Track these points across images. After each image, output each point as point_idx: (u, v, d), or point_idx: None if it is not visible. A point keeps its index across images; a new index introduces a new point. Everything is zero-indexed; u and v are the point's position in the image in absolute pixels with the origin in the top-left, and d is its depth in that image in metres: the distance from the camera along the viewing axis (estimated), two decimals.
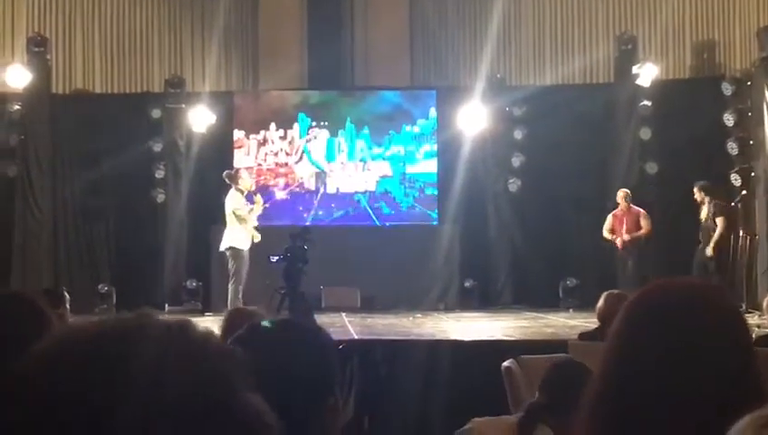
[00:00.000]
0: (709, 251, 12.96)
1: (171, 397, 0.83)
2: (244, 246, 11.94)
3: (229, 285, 11.92)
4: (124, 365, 0.84)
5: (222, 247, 12.15)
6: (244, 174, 12.44)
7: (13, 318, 1.73)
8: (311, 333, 1.96)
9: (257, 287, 11.95)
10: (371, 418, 7.79)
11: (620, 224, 13.47)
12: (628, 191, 13.65)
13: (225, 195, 12.16)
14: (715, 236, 12.99)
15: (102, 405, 0.82)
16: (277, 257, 10.98)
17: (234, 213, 11.94)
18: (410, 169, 15.57)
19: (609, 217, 13.55)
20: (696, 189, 13.35)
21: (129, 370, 0.84)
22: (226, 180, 12.26)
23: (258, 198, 12.45)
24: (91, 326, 0.90)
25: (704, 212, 13.28)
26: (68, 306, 7.46)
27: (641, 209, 13.53)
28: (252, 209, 12.08)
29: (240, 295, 11.85)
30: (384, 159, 15.62)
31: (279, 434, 0.92)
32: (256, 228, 12.08)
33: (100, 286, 14.51)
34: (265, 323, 1.92)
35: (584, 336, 6.71)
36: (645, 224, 13.42)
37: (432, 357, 8.83)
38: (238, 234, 11.93)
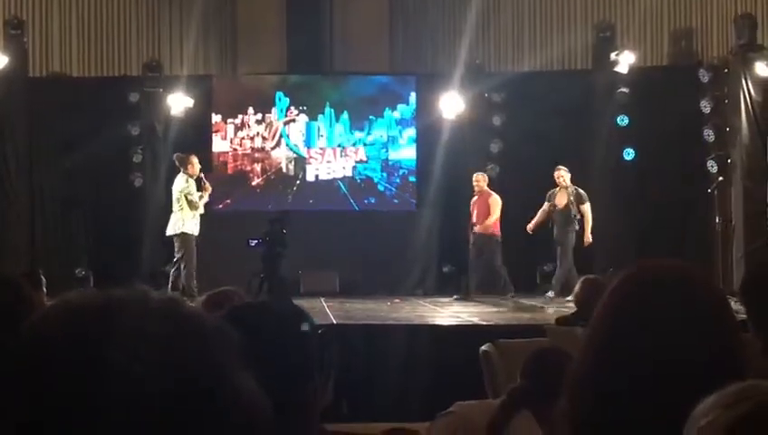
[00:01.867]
0: (588, 238, 12.86)
1: (163, 376, 0.84)
2: (194, 231, 12.19)
3: (173, 271, 12.26)
4: (115, 341, 0.84)
5: (169, 232, 12.30)
6: (194, 160, 12.53)
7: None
8: (292, 316, 1.97)
9: (235, 272, 11.94)
10: (350, 402, 7.81)
11: (473, 208, 13.35)
12: (481, 175, 13.57)
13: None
14: (589, 223, 12.95)
15: (91, 383, 0.82)
16: (256, 241, 10.98)
17: (185, 197, 12.13)
18: (393, 155, 15.57)
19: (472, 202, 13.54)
20: (559, 172, 13.25)
21: (119, 346, 0.84)
22: (176, 163, 12.57)
23: (207, 184, 12.57)
24: (82, 300, 0.90)
25: (562, 196, 13.13)
26: (45, 289, 7.42)
27: (493, 193, 13.42)
28: (201, 196, 12.29)
29: (194, 281, 12.03)
30: (365, 144, 15.61)
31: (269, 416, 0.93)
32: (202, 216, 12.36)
33: (77, 271, 14.46)
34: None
35: (561, 321, 6.76)
36: (494, 210, 13.16)
37: (410, 342, 8.88)
38: (188, 219, 12.11)
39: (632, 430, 1.52)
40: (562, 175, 13.27)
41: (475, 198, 13.44)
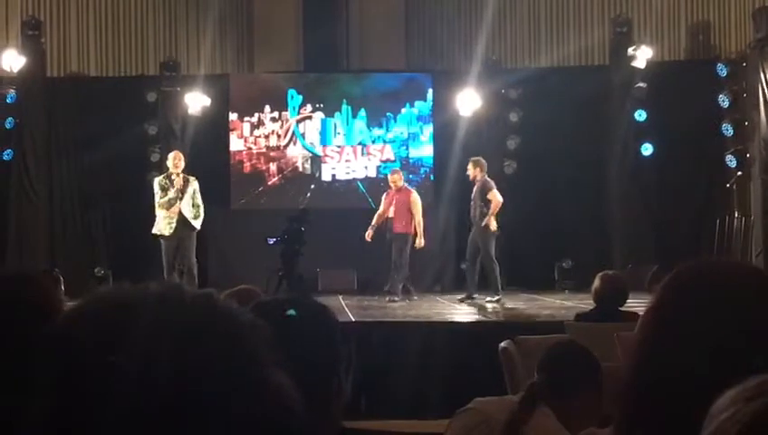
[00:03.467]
0: (494, 226, 12.10)
1: (197, 369, 0.84)
2: (164, 231, 11.64)
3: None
4: (150, 335, 0.85)
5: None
6: (170, 155, 12.14)
7: (21, 300, 1.67)
8: (318, 312, 1.96)
9: (253, 269, 11.96)
10: (368, 399, 7.82)
11: (388, 207, 12.69)
12: (398, 175, 12.97)
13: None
14: (492, 208, 12.06)
15: (124, 377, 0.82)
16: (274, 240, 10.99)
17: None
18: (414, 153, 15.52)
19: (383, 197, 12.92)
20: (471, 165, 12.52)
21: (154, 340, 0.84)
22: None
23: (176, 182, 11.72)
24: (116, 295, 0.91)
25: (476, 191, 12.46)
26: (62, 288, 7.45)
27: (413, 191, 12.93)
28: (166, 195, 11.65)
29: None
30: (386, 141, 15.59)
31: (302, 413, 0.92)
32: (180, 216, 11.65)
33: (96, 269, 14.51)
34: (291, 312, 1.90)
35: (581, 317, 6.73)
36: (416, 211, 12.55)
37: (429, 339, 8.87)
38: (159, 219, 11.71)
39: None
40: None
41: (390, 193, 12.80)
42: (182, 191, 11.67)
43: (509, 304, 11.93)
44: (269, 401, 0.88)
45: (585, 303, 9.48)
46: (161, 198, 11.63)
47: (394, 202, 12.61)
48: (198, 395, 0.83)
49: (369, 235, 12.56)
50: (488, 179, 12.41)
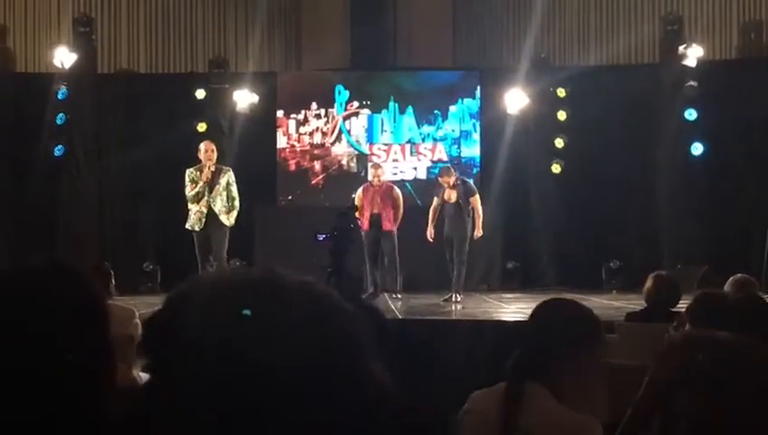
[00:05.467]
0: (479, 232, 12.08)
1: (304, 356, 0.83)
2: (194, 226, 11.00)
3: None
4: (255, 322, 0.84)
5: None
6: (201, 147, 11.32)
7: (57, 295, 1.60)
8: (376, 310, 1.94)
9: (302, 266, 11.98)
10: (411, 397, 7.81)
11: (369, 202, 12.32)
12: (381, 170, 12.80)
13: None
14: (481, 216, 12.08)
15: (231, 362, 0.82)
16: (324, 236, 10.99)
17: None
18: (466, 152, 15.41)
19: (359, 192, 12.51)
20: (445, 174, 12.34)
21: (260, 327, 0.83)
22: None
23: (204, 174, 11.01)
24: (221, 280, 0.90)
25: (452, 191, 12.13)
26: (113, 283, 7.48)
27: (395, 187, 12.73)
28: (194, 188, 11.02)
29: None
30: (436, 139, 15.49)
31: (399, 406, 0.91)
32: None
33: (144, 265, 14.63)
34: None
35: (632, 317, 6.66)
36: (399, 204, 12.37)
37: (475, 337, 8.84)
38: (191, 214, 11.06)
39: None
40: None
41: (371, 189, 12.50)
42: (211, 183, 10.95)
43: None
44: (366, 397, 0.87)
45: (633, 303, 9.39)
46: (190, 190, 11.01)
47: (379, 197, 12.34)
48: (304, 384, 0.82)
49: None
50: (470, 183, 12.61)
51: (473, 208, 12.14)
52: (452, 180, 12.21)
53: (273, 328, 0.84)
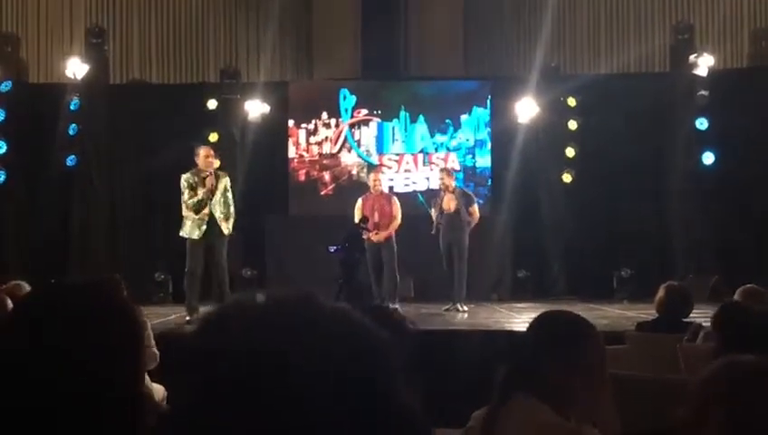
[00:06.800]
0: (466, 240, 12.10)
1: (338, 380, 0.84)
2: (192, 234, 10.45)
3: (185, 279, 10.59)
4: (290, 345, 0.85)
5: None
6: (201, 151, 10.68)
7: (94, 316, 1.61)
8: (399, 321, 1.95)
9: (313, 276, 12.01)
10: (424, 407, 7.81)
11: (370, 211, 12.20)
12: (378, 173, 12.81)
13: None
14: (474, 223, 12.15)
15: (267, 385, 0.82)
16: (335, 248, 10.99)
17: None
18: (480, 162, 15.33)
19: (359, 202, 12.38)
20: (442, 175, 12.45)
21: (295, 350, 0.84)
22: None
23: (207, 181, 10.46)
24: (261, 301, 0.91)
25: (450, 200, 12.13)
26: (125, 293, 7.48)
27: (393, 195, 12.72)
28: (192, 196, 10.46)
29: (193, 291, 10.45)
30: (450, 149, 15.46)
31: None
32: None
33: (156, 275, 14.65)
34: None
35: (643, 327, 6.64)
36: (397, 212, 12.24)
37: (487, 347, 8.83)
38: (187, 221, 10.52)
39: None
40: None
41: (370, 197, 12.42)
42: (212, 191, 10.43)
43: None
44: (397, 426, 0.87)
45: (645, 313, 9.37)
46: (189, 197, 10.42)
47: (377, 206, 12.26)
48: (338, 405, 0.83)
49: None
50: (468, 191, 12.65)
51: (471, 218, 12.14)
52: (452, 184, 12.24)
53: (310, 354, 0.85)
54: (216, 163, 10.84)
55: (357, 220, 12.01)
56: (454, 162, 15.30)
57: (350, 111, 15.47)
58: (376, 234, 11.93)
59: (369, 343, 0.89)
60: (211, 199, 10.44)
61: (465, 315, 11.73)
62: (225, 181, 10.64)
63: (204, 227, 10.41)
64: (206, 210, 10.42)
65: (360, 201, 12.41)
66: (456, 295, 12.11)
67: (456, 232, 12.11)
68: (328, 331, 0.87)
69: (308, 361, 0.84)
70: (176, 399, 0.90)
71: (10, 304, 5.16)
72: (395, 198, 12.56)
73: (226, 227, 10.54)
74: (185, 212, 10.52)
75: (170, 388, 0.96)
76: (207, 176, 10.45)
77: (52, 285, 1.74)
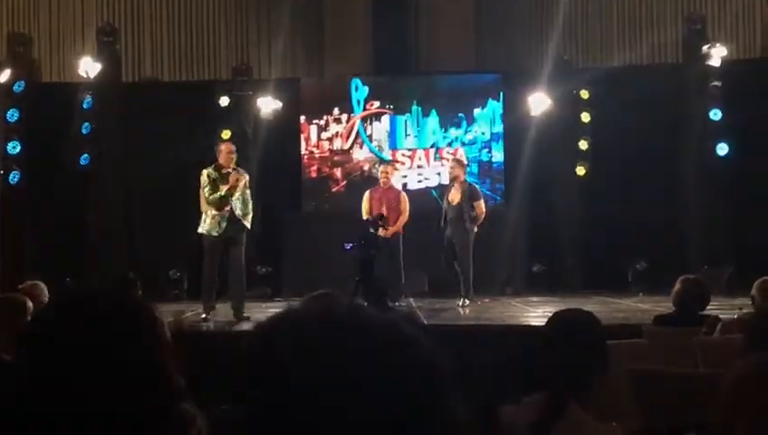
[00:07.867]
0: (474, 229, 12.01)
1: (387, 390, 0.83)
2: (211, 232, 10.46)
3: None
4: (339, 354, 0.84)
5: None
6: (223, 148, 10.81)
7: (106, 323, 1.61)
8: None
9: (327, 273, 12.01)
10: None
11: (379, 204, 12.15)
12: (390, 167, 12.76)
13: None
14: (479, 217, 12.01)
15: (315, 395, 0.82)
16: (350, 245, 10.98)
17: (203, 192, 10.57)
18: (496, 156, 15.25)
19: (367, 195, 12.35)
20: (453, 164, 12.41)
21: (343, 358, 0.84)
22: None
23: (231, 178, 10.47)
24: (310, 313, 0.91)
25: (456, 192, 12.11)
26: (139, 292, 7.53)
27: (401, 190, 12.66)
28: (216, 192, 10.43)
29: (210, 289, 10.60)
30: (464, 143, 15.37)
31: None
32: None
33: (171, 272, 14.68)
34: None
35: (660, 320, 6.62)
36: (405, 208, 12.20)
37: (502, 342, 8.82)
38: (207, 218, 10.49)
39: None
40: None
41: (378, 190, 12.39)
42: (235, 187, 10.44)
43: (582, 308, 11.77)
44: (453, 425, 0.87)
45: (660, 306, 9.35)
46: (210, 193, 10.38)
47: (384, 200, 12.20)
48: (387, 415, 0.83)
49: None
50: (475, 186, 12.51)
51: (475, 212, 12.05)
52: (462, 175, 12.16)
53: (360, 366, 0.84)
54: (235, 157, 10.83)
55: (365, 215, 11.98)
56: (463, 157, 15.21)
57: (362, 103, 15.41)
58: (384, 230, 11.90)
59: (426, 359, 0.89)
60: (232, 196, 10.44)
61: (468, 311, 11.68)
62: (246, 179, 10.67)
63: (224, 225, 10.41)
64: (228, 207, 10.42)
65: (367, 194, 12.39)
66: (463, 292, 12.02)
67: (457, 227, 12.05)
68: (378, 343, 0.87)
69: (357, 372, 0.84)
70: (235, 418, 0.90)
71: (30, 305, 5.16)
72: (403, 194, 12.53)
73: (248, 221, 10.59)
74: (204, 207, 10.54)
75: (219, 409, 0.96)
76: (230, 172, 10.46)
77: (66, 295, 1.74)
